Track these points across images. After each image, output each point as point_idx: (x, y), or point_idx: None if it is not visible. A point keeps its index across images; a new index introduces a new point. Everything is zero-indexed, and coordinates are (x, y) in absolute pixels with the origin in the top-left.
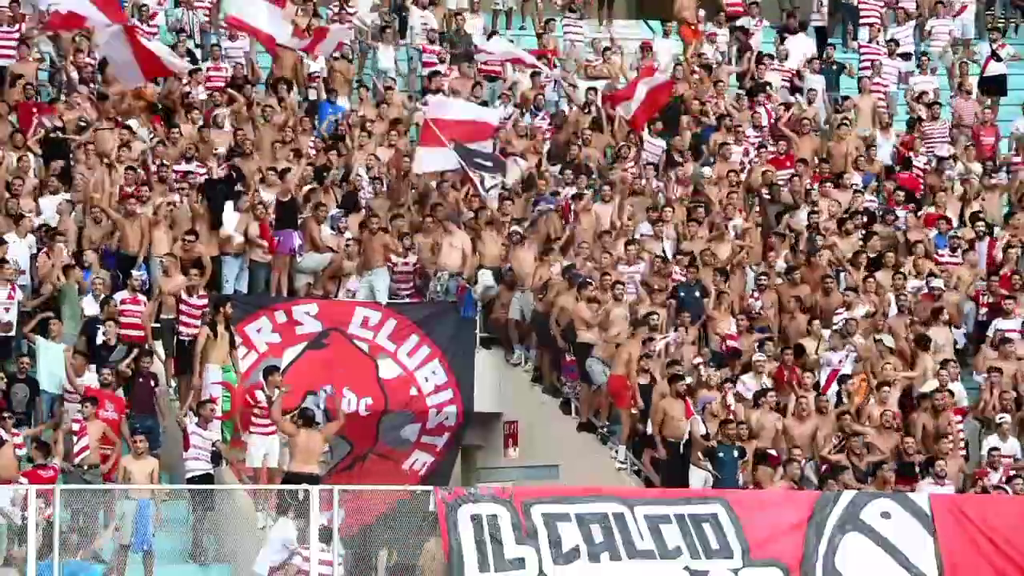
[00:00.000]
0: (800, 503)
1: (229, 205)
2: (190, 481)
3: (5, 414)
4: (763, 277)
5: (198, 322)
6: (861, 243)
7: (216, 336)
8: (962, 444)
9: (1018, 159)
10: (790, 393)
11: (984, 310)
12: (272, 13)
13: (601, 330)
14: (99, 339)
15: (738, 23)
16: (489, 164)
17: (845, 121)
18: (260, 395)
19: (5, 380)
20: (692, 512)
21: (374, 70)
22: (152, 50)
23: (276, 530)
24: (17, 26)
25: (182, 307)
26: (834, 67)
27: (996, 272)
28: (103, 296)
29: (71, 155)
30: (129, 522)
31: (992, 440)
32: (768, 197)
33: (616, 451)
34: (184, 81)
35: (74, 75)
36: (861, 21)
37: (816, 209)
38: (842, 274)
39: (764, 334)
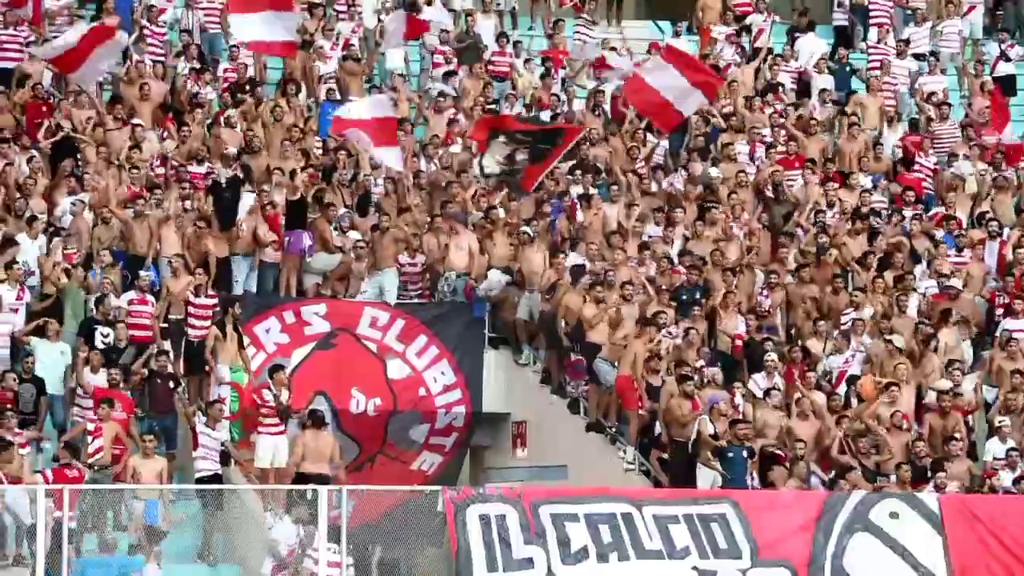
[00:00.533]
0: (809, 503)
1: (245, 203)
2: (199, 481)
3: (8, 413)
4: (772, 276)
5: (207, 322)
6: (868, 243)
7: (225, 336)
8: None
9: None
10: (795, 392)
11: (1000, 311)
12: (279, 19)
13: (611, 330)
14: (98, 340)
15: (746, 21)
16: None
17: (854, 119)
18: (267, 394)
19: (16, 380)
20: (700, 512)
21: (382, 70)
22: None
23: (276, 530)
24: (23, 28)
25: (190, 307)
26: (847, 68)
27: (1010, 272)
28: (97, 296)
29: (80, 155)
30: (138, 521)
31: (993, 444)
32: (774, 197)
33: (624, 451)
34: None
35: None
36: (871, 21)
37: (823, 209)
38: (850, 275)
39: (771, 334)
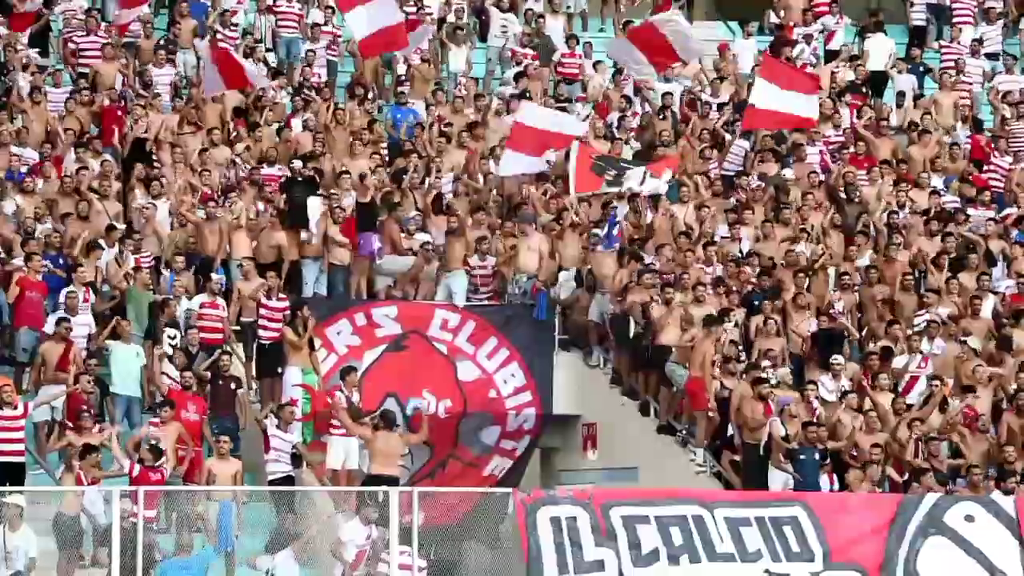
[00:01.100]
0: (883, 506)
1: (314, 205)
2: (271, 483)
3: (85, 415)
4: (844, 277)
5: (278, 325)
6: (942, 244)
7: (298, 338)
8: None
9: None
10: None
11: None
12: (382, 7)
13: (681, 332)
14: (164, 343)
15: (820, 23)
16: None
17: (927, 120)
18: (339, 396)
19: (90, 382)
20: (772, 515)
21: (447, 72)
22: (237, 61)
23: (345, 531)
24: (100, 32)
25: (262, 310)
26: (921, 68)
27: None
28: (162, 299)
29: (154, 159)
30: (213, 523)
31: None
32: (846, 197)
33: (695, 453)
34: (266, 93)
35: (156, 79)
36: (954, 21)
37: (895, 210)
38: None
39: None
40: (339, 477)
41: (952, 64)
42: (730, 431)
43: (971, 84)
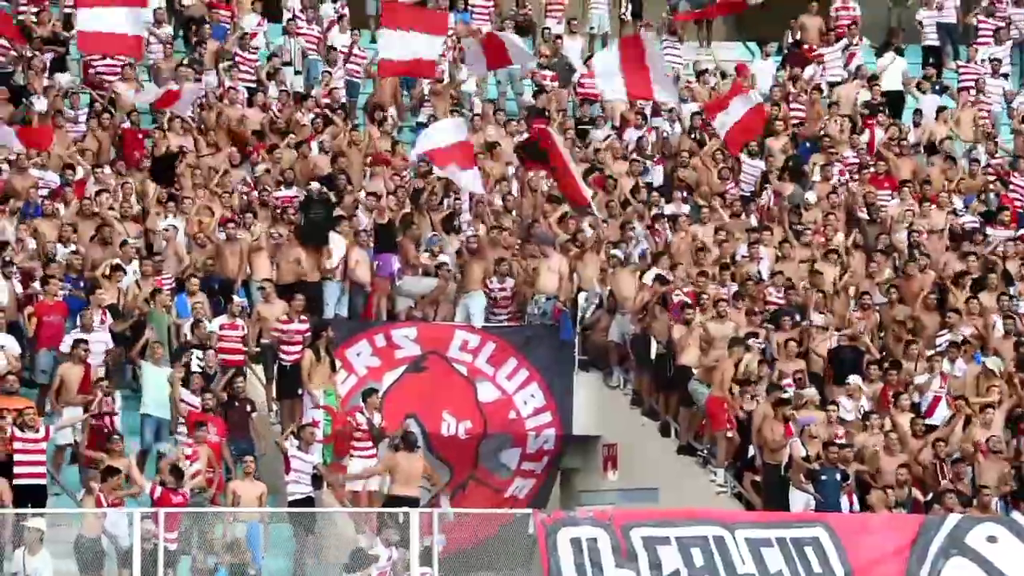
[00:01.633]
0: (905, 527)
1: (336, 240)
2: (291, 504)
3: (115, 437)
4: (865, 296)
5: (299, 347)
6: (962, 263)
7: (319, 360)
8: None
9: None
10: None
11: None
12: (423, 40)
13: (701, 352)
14: (194, 365)
15: (840, 44)
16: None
17: (947, 144)
18: (360, 418)
19: (113, 401)
20: (794, 536)
21: (459, 93)
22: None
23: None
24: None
25: (283, 332)
26: (937, 88)
27: None
28: (193, 321)
29: (176, 180)
30: (239, 544)
31: None
32: (868, 218)
33: (716, 474)
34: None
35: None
36: (978, 41)
37: (917, 229)
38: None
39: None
40: (360, 498)
41: (972, 83)
42: (751, 452)
43: (990, 104)
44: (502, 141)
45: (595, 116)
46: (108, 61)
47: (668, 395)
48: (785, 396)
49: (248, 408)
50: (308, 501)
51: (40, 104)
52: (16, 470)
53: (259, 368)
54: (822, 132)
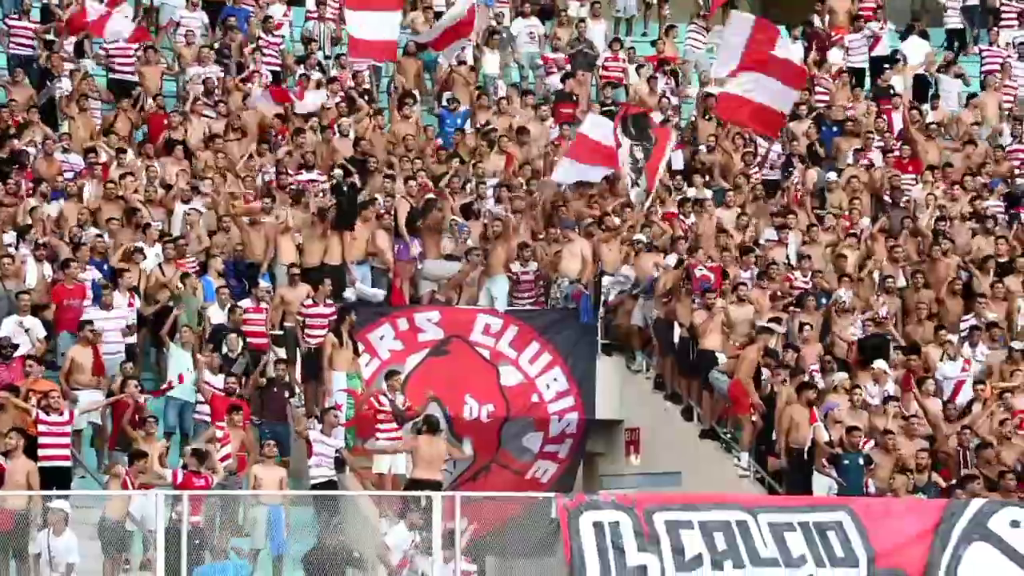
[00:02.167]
0: (928, 512)
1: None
2: (314, 488)
3: (151, 420)
4: (888, 280)
5: (323, 331)
6: (989, 247)
7: (341, 344)
8: None
9: None
10: (912, 400)
11: None
12: (386, 21)
13: (724, 336)
14: (225, 348)
15: (865, 29)
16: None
17: (975, 128)
18: (383, 399)
19: (138, 387)
20: (817, 520)
21: (482, 76)
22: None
23: (391, 536)
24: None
25: (308, 316)
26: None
27: None
28: (230, 305)
29: (192, 163)
30: (262, 527)
31: None
32: (891, 201)
33: (739, 458)
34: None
35: (199, 87)
36: (1001, 24)
37: (943, 214)
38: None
39: (888, 339)
40: (384, 482)
41: (997, 67)
42: (774, 436)
43: (1016, 87)
44: (531, 125)
45: (619, 101)
46: (121, 45)
47: (691, 379)
48: (808, 380)
49: (287, 394)
50: (331, 484)
51: (65, 86)
52: (40, 452)
53: (281, 351)
54: (846, 116)
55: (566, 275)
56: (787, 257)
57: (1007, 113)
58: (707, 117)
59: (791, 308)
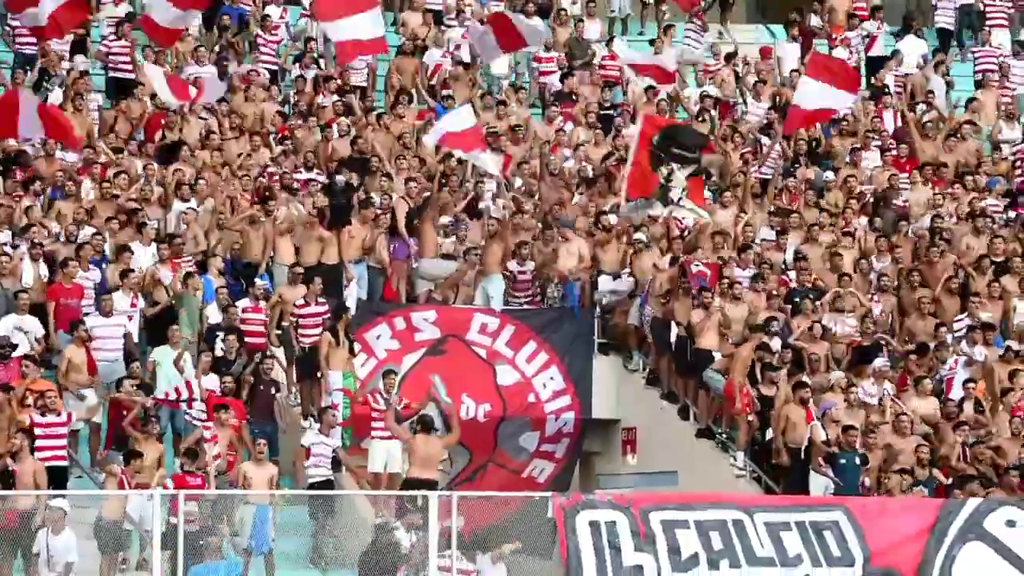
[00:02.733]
0: (924, 511)
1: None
2: (311, 487)
3: (153, 420)
4: (884, 279)
5: (317, 329)
6: (985, 248)
7: (338, 343)
8: None
9: None
10: (911, 397)
11: None
12: (366, 19)
13: (720, 336)
14: (218, 348)
15: (861, 28)
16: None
17: (972, 123)
18: (379, 398)
19: (134, 387)
20: (813, 519)
21: (488, 76)
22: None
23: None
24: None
25: (301, 315)
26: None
27: None
28: (225, 304)
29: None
30: (248, 526)
31: None
32: (888, 201)
33: (735, 457)
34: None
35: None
36: (988, 23)
37: (939, 213)
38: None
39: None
40: (380, 481)
41: (994, 67)
42: (769, 435)
43: (1015, 89)
44: (524, 123)
45: (617, 101)
46: (122, 43)
47: (687, 379)
48: (804, 379)
49: (273, 390)
50: (327, 484)
51: (58, 89)
52: (37, 454)
53: (280, 351)
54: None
55: (564, 274)
56: (783, 261)
57: (1006, 113)
58: (700, 119)
59: (783, 306)
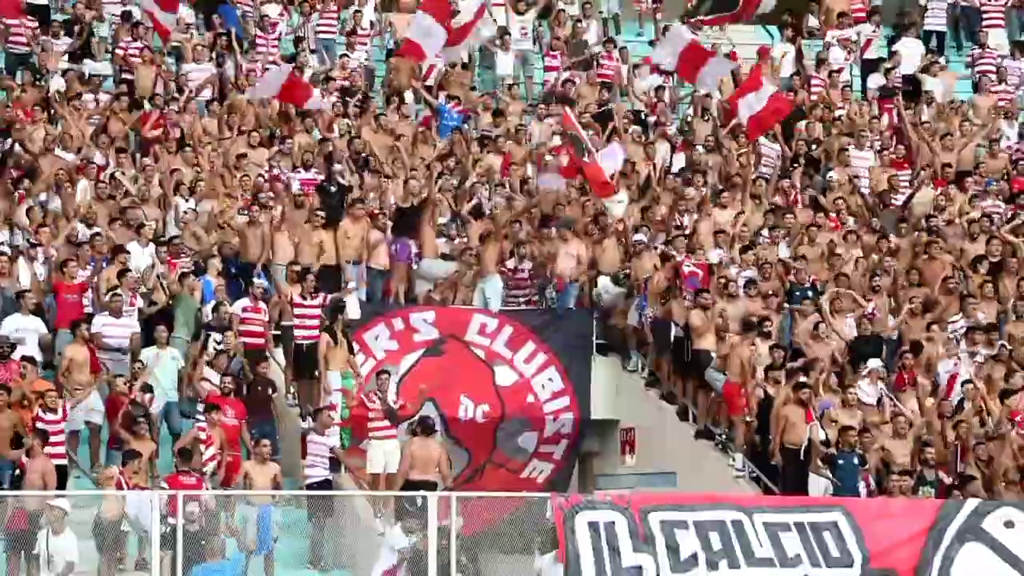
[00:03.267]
0: (923, 512)
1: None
2: (309, 487)
3: (141, 420)
4: (877, 277)
5: (315, 321)
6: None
7: (336, 343)
8: None
9: None
10: (910, 397)
11: None
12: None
13: (718, 338)
14: (210, 346)
15: (857, 30)
16: None
17: (965, 126)
18: (375, 399)
19: (129, 387)
20: (812, 520)
21: (492, 77)
22: (300, 80)
23: (387, 538)
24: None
25: (297, 310)
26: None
27: None
28: (214, 303)
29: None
30: (251, 527)
31: None
32: (886, 202)
33: (734, 458)
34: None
35: (193, 84)
36: (984, 24)
37: (935, 214)
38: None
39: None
40: (378, 482)
41: (992, 69)
42: (769, 435)
43: (1013, 92)
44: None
45: (615, 101)
46: (138, 44)
47: (686, 379)
48: (804, 380)
49: (270, 390)
50: (326, 484)
51: (57, 83)
52: None
53: (278, 351)
54: (837, 117)
55: (562, 275)
56: (778, 258)
57: (1003, 113)
58: (704, 118)
59: (784, 307)
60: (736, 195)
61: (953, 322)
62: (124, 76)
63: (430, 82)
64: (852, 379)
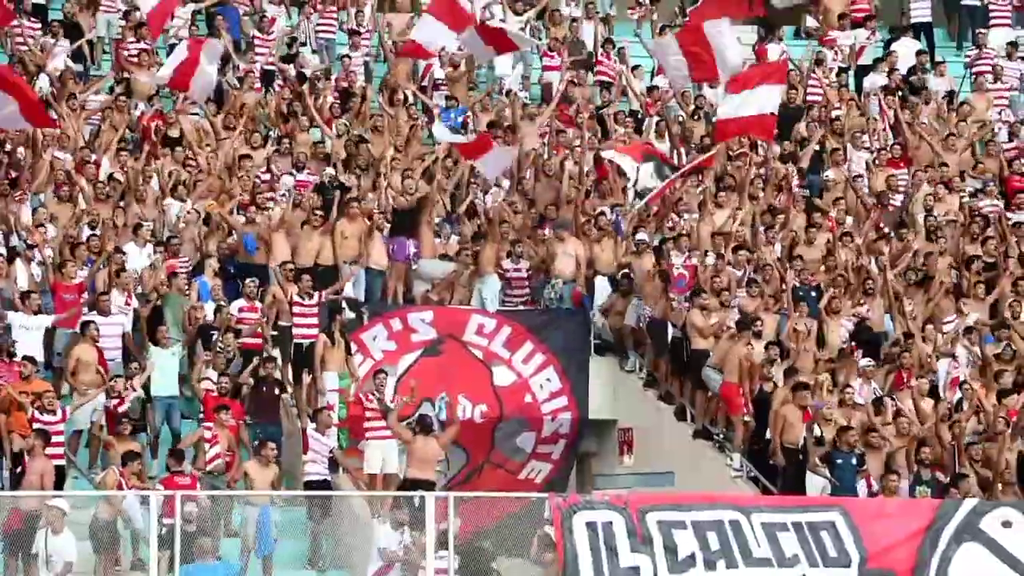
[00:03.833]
0: (921, 512)
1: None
2: (307, 486)
3: (124, 421)
4: (869, 282)
5: (313, 319)
6: (979, 248)
7: (333, 343)
8: None
9: None
10: (906, 397)
11: None
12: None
13: (714, 337)
14: (210, 348)
15: (853, 35)
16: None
17: (961, 126)
18: (372, 399)
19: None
20: (810, 520)
21: (490, 77)
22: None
23: (383, 537)
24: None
25: (295, 309)
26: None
27: None
28: (216, 304)
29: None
30: (251, 527)
31: None
32: (883, 202)
33: (731, 458)
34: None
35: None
36: (992, 23)
37: (932, 213)
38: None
39: (879, 339)
40: (377, 482)
41: (989, 69)
42: (767, 435)
43: (1008, 88)
44: (520, 124)
45: (613, 101)
46: (141, 45)
47: (684, 379)
48: (802, 380)
49: (277, 391)
50: (324, 484)
51: (43, 81)
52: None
53: (276, 351)
54: (834, 117)
55: (560, 276)
56: (776, 259)
57: (999, 113)
58: (697, 117)
59: (783, 311)
60: (732, 196)
61: (948, 321)
62: (123, 76)
63: (425, 82)
64: (847, 378)
